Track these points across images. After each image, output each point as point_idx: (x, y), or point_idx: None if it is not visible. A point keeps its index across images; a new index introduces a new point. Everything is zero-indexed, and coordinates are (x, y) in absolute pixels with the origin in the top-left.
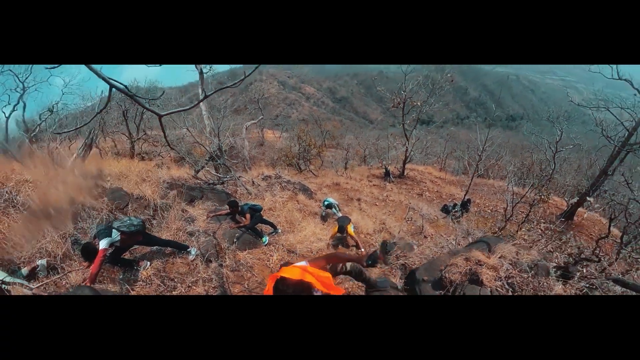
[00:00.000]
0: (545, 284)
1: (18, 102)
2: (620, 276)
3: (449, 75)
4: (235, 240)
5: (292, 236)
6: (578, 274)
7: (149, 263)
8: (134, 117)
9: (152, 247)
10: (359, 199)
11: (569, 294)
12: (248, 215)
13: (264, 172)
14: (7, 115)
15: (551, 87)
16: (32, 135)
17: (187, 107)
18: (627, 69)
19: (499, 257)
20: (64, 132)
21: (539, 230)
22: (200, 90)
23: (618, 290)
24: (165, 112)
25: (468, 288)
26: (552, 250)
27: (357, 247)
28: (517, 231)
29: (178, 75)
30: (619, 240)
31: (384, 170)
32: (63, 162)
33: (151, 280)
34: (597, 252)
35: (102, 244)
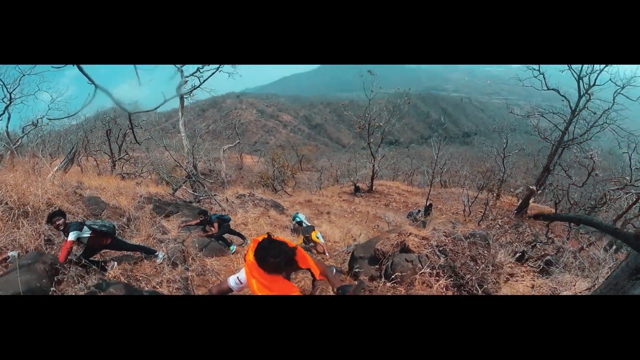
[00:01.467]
0: (485, 252)
1: (3, 113)
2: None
3: (406, 98)
4: (198, 246)
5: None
6: (535, 256)
7: (116, 263)
8: (117, 137)
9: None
10: (328, 212)
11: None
12: (216, 225)
13: (239, 191)
14: None
15: (497, 105)
16: (13, 147)
17: (156, 107)
18: (554, 80)
19: (432, 229)
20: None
21: (497, 225)
22: (180, 114)
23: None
24: (135, 111)
25: (397, 256)
26: (511, 241)
27: (323, 252)
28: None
29: (161, 100)
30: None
31: (354, 187)
32: (44, 173)
33: (118, 280)
34: (549, 234)
35: (71, 236)
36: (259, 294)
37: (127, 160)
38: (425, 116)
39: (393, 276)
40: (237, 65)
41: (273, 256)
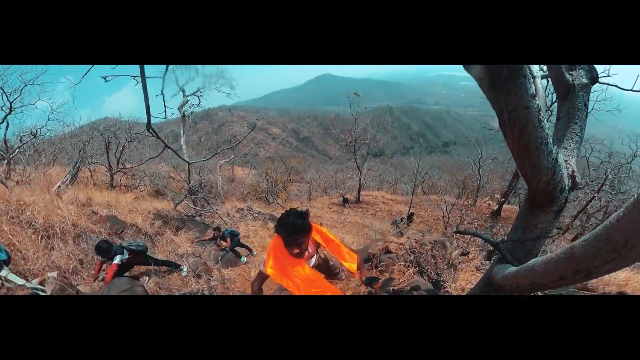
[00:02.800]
0: (442, 252)
1: (3, 121)
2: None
3: (389, 118)
4: (214, 258)
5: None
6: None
7: (147, 278)
8: (115, 150)
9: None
10: (321, 223)
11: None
12: (228, 239)
13: (237, 205)
14: None
15: (473, 117)
16: (10, 156)
17: (209, 157)
18: None
19: (407, 237)
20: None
21: (474, 228)
22: (181, 132)
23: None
24: (193, 161)
25: (382, 255)
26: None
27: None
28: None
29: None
30: None
31: (342, 198)
32: (53, 185)
33: (156, 292)
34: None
35: (116, 259)
36: (274, 275)
37: (125, 174)
38: (407, 128)
39: (380, 267)
40: (235, 86)
41: (285, 216)
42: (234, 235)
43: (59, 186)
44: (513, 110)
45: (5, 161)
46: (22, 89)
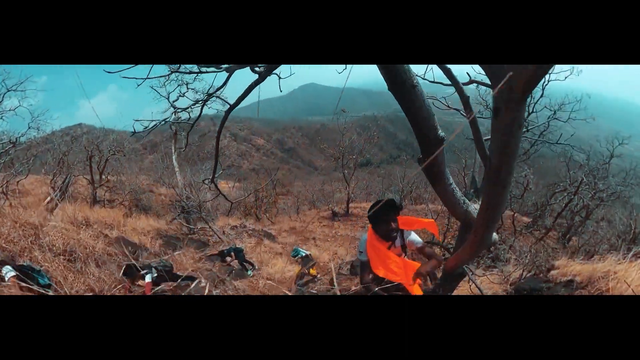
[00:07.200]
0: None
1: None
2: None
3: (374, 132)
4: (230, 273)
5: (269, 268)
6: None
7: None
8: (98, 163)
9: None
10: (314, 238)
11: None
12: (233, 254)
13: (230, 223)
14: None
15: (458, 124)
16: None
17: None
18: None
19: None
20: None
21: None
22: (173, 149)
23: None
24: (234, 200)
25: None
26: None
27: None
28: (444, 239)
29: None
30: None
31: (331, 212)
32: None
33: None
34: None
35: (147, 278)
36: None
37: (109, 188)
38: (393, 137)
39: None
40: (225, 104)
41: (374, 205)
42: (238, 251)
43: (48, 202)
44: (439, 193)
45: None
46: (4, 95)
